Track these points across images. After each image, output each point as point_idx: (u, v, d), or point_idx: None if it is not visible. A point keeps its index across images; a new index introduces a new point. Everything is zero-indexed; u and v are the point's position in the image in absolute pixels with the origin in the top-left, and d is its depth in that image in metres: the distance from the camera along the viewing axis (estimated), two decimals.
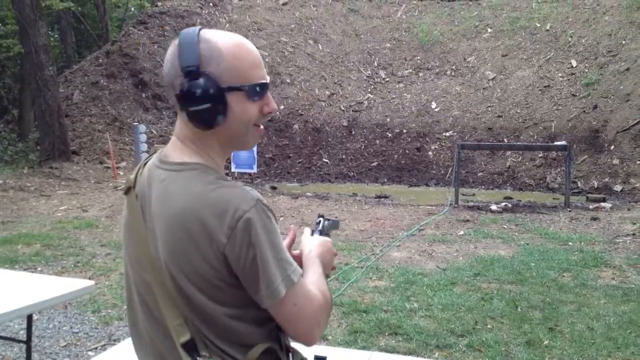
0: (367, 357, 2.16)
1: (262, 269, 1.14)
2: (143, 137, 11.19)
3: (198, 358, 1.17)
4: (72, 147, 13.35)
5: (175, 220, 1.15)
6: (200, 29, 1.23)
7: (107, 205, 9.29)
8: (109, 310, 4.60)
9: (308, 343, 1.23)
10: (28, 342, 2.96)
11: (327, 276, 1.38)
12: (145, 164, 1.30)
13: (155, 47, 16.53)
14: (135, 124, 12.26)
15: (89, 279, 5.05)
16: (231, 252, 1.13)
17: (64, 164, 12.46)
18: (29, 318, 2.92)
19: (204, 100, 1.18)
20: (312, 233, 1.52)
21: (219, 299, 1.17)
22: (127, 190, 1.29)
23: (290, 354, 1.32)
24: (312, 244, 1.42)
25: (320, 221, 1.56)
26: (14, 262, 5.82)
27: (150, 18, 17.44)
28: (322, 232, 1.53)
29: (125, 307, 4.60)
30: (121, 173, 12.51)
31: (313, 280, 1.28)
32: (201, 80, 1.18)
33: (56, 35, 20.63)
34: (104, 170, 12.77)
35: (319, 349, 2.14)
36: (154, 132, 14.39)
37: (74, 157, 13.10)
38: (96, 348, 3.89)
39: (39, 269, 5.68)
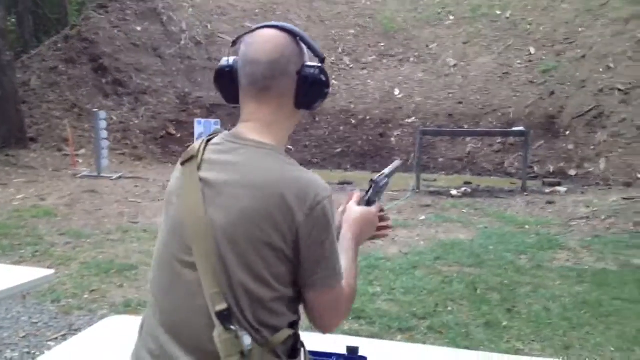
0: (332, 340, 2.19)
1: (327, 255, 1.26)
2: (103, 124, 10.97)
3: (232, 327, 1.20)
4: (30, 134, 13.01)
5: (254, 190, 1.23)
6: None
7: (65, 193, 9.11)
8: (69, 300, 4.55)
9: (326, 332, 1.36)
10: None
11: (359, 244, 1.48)
12: (208, 140, 1.36)
13: (116, 31, 16.17)
14: (95, 110, 12.01)
15: (48, 268, 4.97)
16: (305, 230, 1.23)
17: (21, 152, 12.14)
18: None
19: (327, 85, 1.34)
20: (359, 202, 1.54)
21: (269, 269, 1.22)
22: (187, 160, 1.33)
23: (303, 347, 1.37)
24: (351, 220, 1.48)
25: (371, 186, 1.53)
26: None
27: (110, 2, 17.02)
28: (370, 201, 1.52)
29: (85, 296, 4.56)
30: (80, 160, 12.26)
31: (345, 269, 1.35)
32: (324, 68, 1.36)
33: (13, 20, 19.99)
34: (62, 158, 12.49)
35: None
36: (114, 118, 14.12)
37: (32, 145, 12.78)
38: (56, 338, 3.85)
39: None
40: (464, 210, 8.35)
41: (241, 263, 1.21)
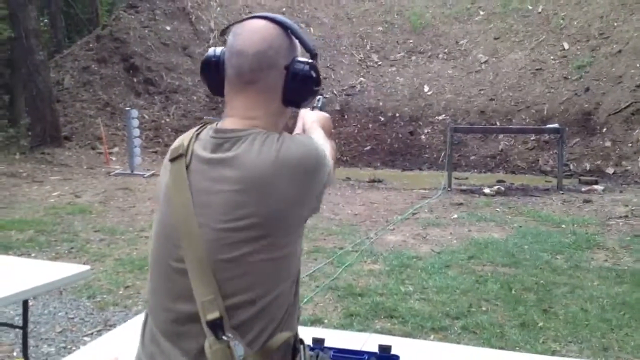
0: (364, 339, 2.17)
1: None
2: (135, 122, 11.10)
3: (223, 337, 1.15)
4: (64, 133, 13.25)
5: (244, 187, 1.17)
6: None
7: (100, 190, 9.25)
8: (104, 296, 4.60)
9: None
10: (24, 327, 2.95)
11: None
12: (197, 134, 1.29)
13: (146, 31, 16.37)
14: (127, 109, 12.16)
15: (84, 264, 5.04)
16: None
17: (56, 150, 12.37)
18: (25, 303, 2.90)
19: (318, 82, 1.29)
20: (313, 109, 1.63)
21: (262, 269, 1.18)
22: (176, 158, 1.26)
23: (302, 346, 1.32)
24: (313, 116, 1.57)
25: (319, 98, 1.69)
26: (7, 248, 5.79)
27: (140, 2, 17.24)
28: (321, 109, 1.69)
29: (120, 292, 4.61)
30: (113, 158, 12.44)
31: (319, 137, 1.41)
32: (315, 64, 1.30)
33: (46, 20, 20.38)
34: (96, 156, 12.69)
35: (316, 331, 2.15)
36: (146, 117, 14.30)
37: (66, 143, 13.01)
38: (92, 333, 3.89)
39: (33, 254, 5.66)
40: (498, 209, 8.23)
41: (233, 268, 1.16)
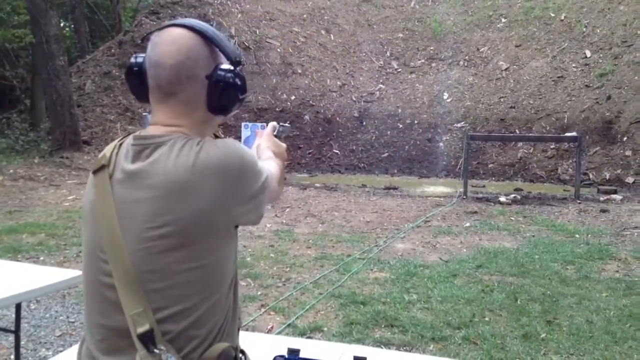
0: (342, 350, 2.13)
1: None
2: None
3: (155, 350, 1.13)
4: (84, 137, 13.43)
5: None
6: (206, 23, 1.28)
7: None
8: None
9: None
10: (17, 332, 2.95)
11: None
12: (120, 144, 1.27)
13: None
14: (145, 114, 12.28)
15: None
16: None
17: (75, 154, 12.53)
18: (18, 307, 2.92)
19: (243, 89, 1.29)
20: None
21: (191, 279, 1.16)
22: (99, 169, 1.24)
23: (243, 357, 1.30)
24: (267, 142, 1.65)
25: (278, 127, 1.82)
26: (17, 251, 5.86)
27: (162, 8, 17.46)
28: (277, 137, 1.77)
29: None
30: None
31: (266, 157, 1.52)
32: (241, 71, 1.28)
33: (71, 26, 20.73)
34: None
35: (293, 341, 2.12)
36: None
37: (85, 147, 13.17)
38: None
39: (42, 258, 5.72)
40: (512, 218, 8.11)
41: (160, 279, 1.13)
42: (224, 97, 1.26)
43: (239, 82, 1.27)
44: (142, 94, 1.30)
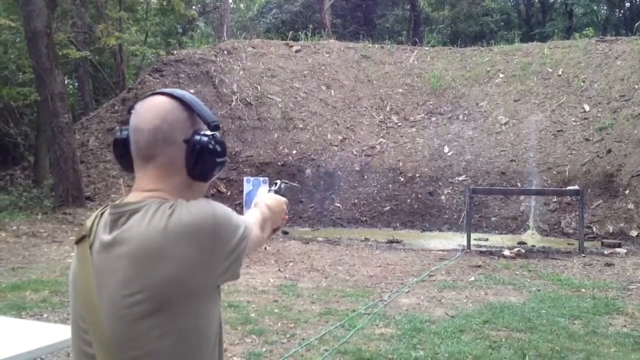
0: None
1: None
2: None
3: None
4: (87, 193, 13.46)
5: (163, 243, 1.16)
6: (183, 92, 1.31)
7: None
8: None
9: None
10: None
11: (277, 229, 1.62)
12: (102, 213, 1.28)
13: None
14: None
15: None
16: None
17: (78, 210, 12.54)
18: None
19: (222, 154, 1.30)
20: (268, 191, 1.70)
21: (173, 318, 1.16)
22: (80, 240, 1.26)
23: None
24: (266, 198, 1.62)
25: (277, 182, 1.77)
26: (21, 308, 5.80)
27: (165, 66, 17.79)
28: (278, 192, 1.74)
29: None
30: None
31: (251, 212, 1.50)
32: (220, 136, 1.30)
33: (76, 84, 21.07)
34: None
35: None
36: None
37: (88, 203, 13.19)
38: None
39: (45, 315, 5.66)
40: (517, 272, 8.06)
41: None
42: (200, 160, 1.27)
43: (217, 147, 1.29)
44: (126, 164, 1.34)
